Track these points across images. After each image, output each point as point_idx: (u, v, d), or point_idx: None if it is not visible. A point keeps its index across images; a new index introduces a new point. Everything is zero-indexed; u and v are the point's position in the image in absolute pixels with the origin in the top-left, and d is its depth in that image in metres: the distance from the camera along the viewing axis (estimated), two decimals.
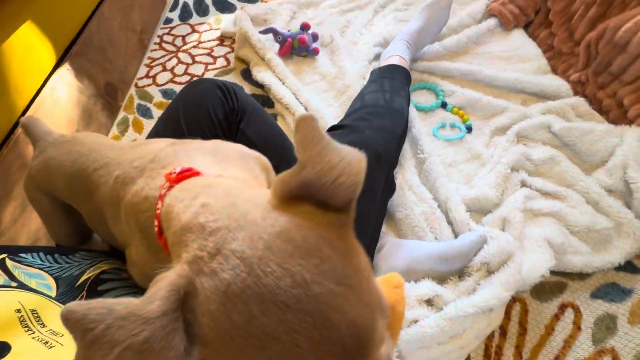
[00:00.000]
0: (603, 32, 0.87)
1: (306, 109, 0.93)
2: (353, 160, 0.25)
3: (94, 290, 0.33)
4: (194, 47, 1.17)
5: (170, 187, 0.33)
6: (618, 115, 0.84)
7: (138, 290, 0.36)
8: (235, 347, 0.21)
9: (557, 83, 0.93)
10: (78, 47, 0.93)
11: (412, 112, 0.92)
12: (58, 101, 0.83)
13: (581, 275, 0.68)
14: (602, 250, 0.68)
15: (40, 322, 0.28)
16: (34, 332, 0.27)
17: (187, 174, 0.34)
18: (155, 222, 0.32)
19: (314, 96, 0.97)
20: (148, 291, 0.21)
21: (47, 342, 0.26)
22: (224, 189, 0.29)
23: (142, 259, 0.36)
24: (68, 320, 0.20)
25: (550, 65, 1.00)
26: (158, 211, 0.32)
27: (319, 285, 0.21)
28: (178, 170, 0.34)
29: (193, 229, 0.25)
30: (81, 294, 0.32)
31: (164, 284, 0.21)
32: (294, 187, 0.24)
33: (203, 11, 1.29)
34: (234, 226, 0.24)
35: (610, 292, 0.67)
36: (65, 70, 0.88)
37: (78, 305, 0.20)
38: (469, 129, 0.90)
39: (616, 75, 0.85)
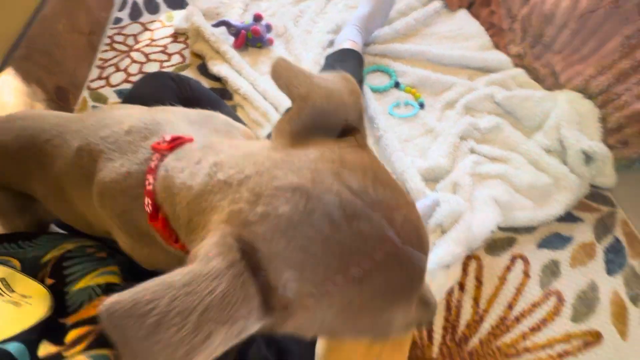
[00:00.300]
0: (534, 6, 0.94)
1: (264, 97, 0.94)
2: (344, 78, 0.25)
3: (58, 266, 0.32)
4: (147, 45, 1.15)
5: (162, 157, 0.29)
6: (552, 82, 0.91)
7: (106, 263, 0.36)
8: (317, 279, 0.19)
9: (499, 57, 1.00)
10: (21, 51, 0.89)
11: (368, 93, 0.96)
12: (5, 107, 0.80)
13: (528, 229, 0.74)
14: (545, 205, 0.75)
15: (10, 289, 0.28)
16: (3, 296, 0.27)
17: (179, 141, 0.30)
18: (147, 200, 0.28)
19: (272, 86, 0.98)
20: (191, 262, 0.19)
21: (16, 303, 0.27)
22: (228, 146, 0.27)
23: (129, 245, 0.33)
24: (114, 312, 0.16)
25: (492, 42, 1.07)
26: (149, 187, 0.28)
27: (374, 190, 0.21)
28: (168, 138, 0.30)
29: (214, 190, 0.23)
30: (44, 270, 0.32)
31: (210, 245, 0.19)
32: (306, 119, 0.23)
33: (154, 9, 1.27)
34: (264, 169, 0.22)
35: (554, 241, 0.73)
36: (10, 74, 0.84)
37: (120, 295, 0.17)
38: (422, 106, 0.94)
39: (548, 46, 0.93)
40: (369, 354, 0.25)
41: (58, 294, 0.29)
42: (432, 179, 0.79)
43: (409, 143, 0.87)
